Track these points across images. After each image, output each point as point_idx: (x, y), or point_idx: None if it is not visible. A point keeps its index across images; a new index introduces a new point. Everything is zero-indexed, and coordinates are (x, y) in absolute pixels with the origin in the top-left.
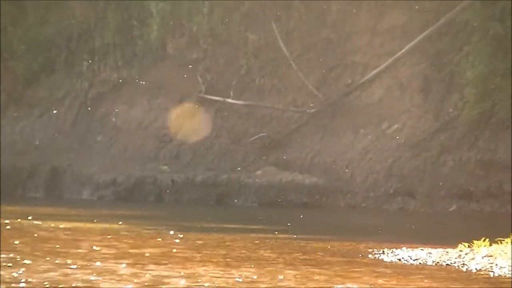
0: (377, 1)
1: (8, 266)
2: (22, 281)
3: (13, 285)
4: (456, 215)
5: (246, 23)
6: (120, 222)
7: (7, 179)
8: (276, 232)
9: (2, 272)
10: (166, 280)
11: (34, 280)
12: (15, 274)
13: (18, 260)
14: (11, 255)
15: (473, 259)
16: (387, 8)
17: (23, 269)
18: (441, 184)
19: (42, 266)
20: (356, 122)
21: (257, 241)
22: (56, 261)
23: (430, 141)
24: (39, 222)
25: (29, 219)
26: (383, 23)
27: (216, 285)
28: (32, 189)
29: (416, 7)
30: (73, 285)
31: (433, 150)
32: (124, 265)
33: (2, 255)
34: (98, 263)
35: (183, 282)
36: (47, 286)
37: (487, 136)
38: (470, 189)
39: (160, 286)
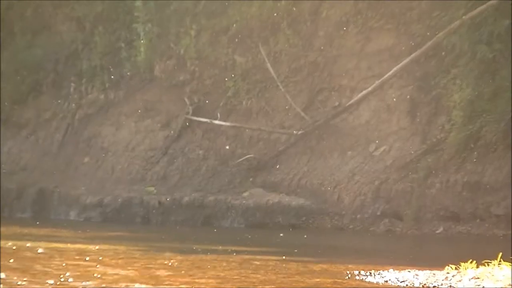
0: (364, 24)
1: None
2: None
3: None
4: (443, 237)
5: (234, 46)
6: (97, 247)
7: None
8: (263, 254)
9: None
10: None
11: None
12: None
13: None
14: None
15: (460, 281)
16: (374, 32)
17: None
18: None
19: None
20: (343, 144)
21: (242, 263)
22: (39, 280)
23: (417, 163)
24: (25, 243)
25: (16, 240)
26: (370, 46)
27: None
28: (19, 210)
29: (403, 30)
30: None
31: (420, 172)
32: (104, 285)
33: None
34: (79, 282)
35: None
36: None
37: (474, 158)
38: (457, 211)
39: None
